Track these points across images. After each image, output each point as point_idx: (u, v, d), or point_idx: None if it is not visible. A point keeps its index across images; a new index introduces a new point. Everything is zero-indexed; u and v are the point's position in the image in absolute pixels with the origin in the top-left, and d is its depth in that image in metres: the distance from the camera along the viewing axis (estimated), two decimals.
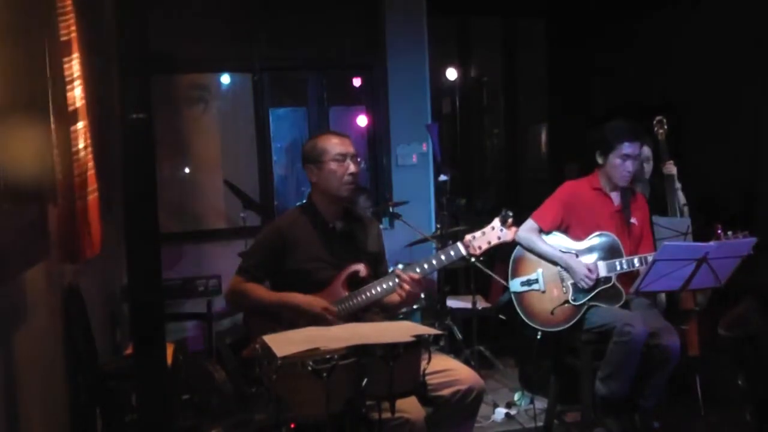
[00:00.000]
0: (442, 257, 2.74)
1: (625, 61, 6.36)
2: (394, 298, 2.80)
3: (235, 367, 4.18)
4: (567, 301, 3.45)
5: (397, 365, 2.05)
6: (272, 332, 2.24)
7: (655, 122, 4.04)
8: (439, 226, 4.83)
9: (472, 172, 7.16)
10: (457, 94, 6.75)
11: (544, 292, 3.49)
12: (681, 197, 3.99)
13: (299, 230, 2.88)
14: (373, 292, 2.77)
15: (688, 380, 3.68)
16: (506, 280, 3.62)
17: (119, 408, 3.10)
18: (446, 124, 6.97)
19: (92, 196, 3.23)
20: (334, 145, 2.86)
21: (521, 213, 3.32)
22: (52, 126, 2.86)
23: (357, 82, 6.23)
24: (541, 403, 3.93)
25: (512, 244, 3.33)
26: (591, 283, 3.39)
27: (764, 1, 4.95)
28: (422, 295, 4.50)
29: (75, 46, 3.02)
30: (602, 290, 3.41)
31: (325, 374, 1.98)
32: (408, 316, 4.52)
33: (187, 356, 4.44)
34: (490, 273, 4.72)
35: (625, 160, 3.47)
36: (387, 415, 2.15)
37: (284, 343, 2.08)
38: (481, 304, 4.78)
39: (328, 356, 2.00)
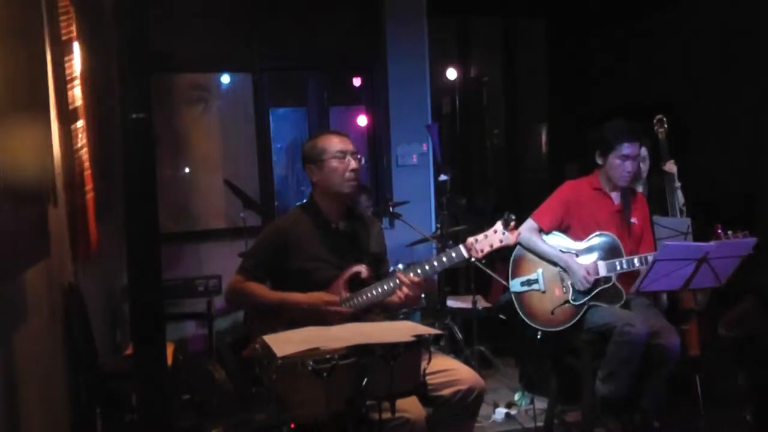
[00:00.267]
0: (444, 259, 2.73)
1: (625, 61, 6.37)
2: (395, 299, 2.80)
3: (235, 367, 4.18)
4: (567, 301, 3.45)
5: (398, 365, 2.05)
6: (272, 332, 2.23)
7: (655, 121, 4.04)
8: (439, 225, 4.82)
9: (472, 172, 7.15)
10: (457, 94, 6.74)
11: (544, 292, 3.49)
12: (680, 197, 3.99)
13: (301, 230, 2.88)
14: (374, 293, 2.76)
15: (688, 380, 3.69)
16: (506, 280, 3.62)
17: (119, 408, 3.10)
18: (446, 124, 6.97)
19: (89, 196, 3.24)
20: (334, 143, 2.86)
21: (521, 213, 3.31)
22: (55, 125, 2.86)
23: (357, 82, 6.24)
24: (541, 403, 3.93)
25: (513, 244, 3.33)
26: (589, 285, 3.39)
27: (764, 1, 4.95)
28: (422, 296, 4.51)
29: (75, 45, 3.02)
30: (602, 290, 3.41)
31: (325, 374, 1.97)
32: (408, 316, 4.52)
33: (187, 356, 4.44)
34: (490, 273, 4.72)
35: (624, 160, 3.47)
36: (387, 415, 2.15)
37: (284, 343, 2.08)
38: (481, 304, 4.77)
39: (328, 356, 2.00)
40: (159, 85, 5.44)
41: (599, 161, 3.57)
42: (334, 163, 2.84)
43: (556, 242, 3.54)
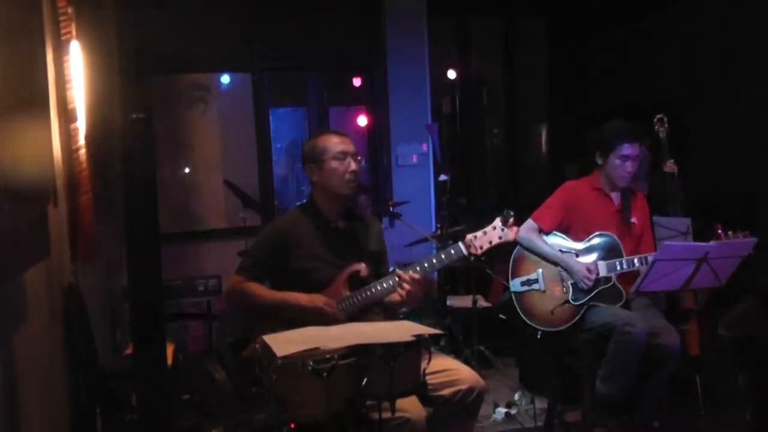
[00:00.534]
0: (443, 256, 2.74)
1: (625, 61, 6.37)
2: (395, 297, 2.80)
3: (235, 367, 4.18)
4: (567, 301, 3.45)
5: (398, 365, 2.05)
6: (272, 332, 2.23)
7: (655, 120, 4.04)
8: (439, 225, 4.83)
9: (472, 172, 7.15)
10: (457, 94, 6.75)
11: (544, 292, 3.49)
12: (681, 196, 3.99)
13: (300, 230, 2.88)
14: (374, 291, 2.77)
15: (688, 380, 3.68)
16: (506, 279, 3.62)
17: (119, 408, 3.10)
18: (446, 124, 6.97)
19: (88, 196, 3.23)
20: (334, 143, 2.86)
21: (521, 213, 3.32)
22: (55, 125, 2.86)
23: (357, 82, 6.24)
24: (541, 403, 3.93)
25: (513, 243, 3.33)
26: (590, 284, 3.39)
27: (764, 1, 4.95)
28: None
29: (73, 45, 3.02)
30: (602, 290, 3.41)
31: (325, 374, 1.97)
32: (408, 316, 4.52)
33: (187, 356, 4.44)
34: (490, 273, 4.72)
35: (624, 160, 3.47)
36: (387, 415, 2.15)
37: (284, 343, 2.08)
38: (481, 303, 4.78)
39: (328, 356, 2.00)
40: (159, 85, 5.45)
41: (599, 161, 3.57)
42: (334, 164, 2.84)
43: (556, 242, 3.54)
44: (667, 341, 3.22)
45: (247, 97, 5.63)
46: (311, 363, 1.99)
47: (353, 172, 2.85)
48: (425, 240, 4.80)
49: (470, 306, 4.69)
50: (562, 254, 3.48)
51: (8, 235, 2.08)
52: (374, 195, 5.61)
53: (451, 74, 6.44)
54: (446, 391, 2.58)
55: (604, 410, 3.40)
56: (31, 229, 2.44)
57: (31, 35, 2.55)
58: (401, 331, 2.20)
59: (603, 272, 3.41)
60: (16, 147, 2.22)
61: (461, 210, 5.44)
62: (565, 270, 3.46)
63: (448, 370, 2.62)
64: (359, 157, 2.91)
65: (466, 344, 4.76)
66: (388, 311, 2.95)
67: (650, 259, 3.22)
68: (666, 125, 4.03)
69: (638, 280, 3.19)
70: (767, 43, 5.01)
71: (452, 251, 2.73)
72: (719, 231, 3.38)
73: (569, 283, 3.45)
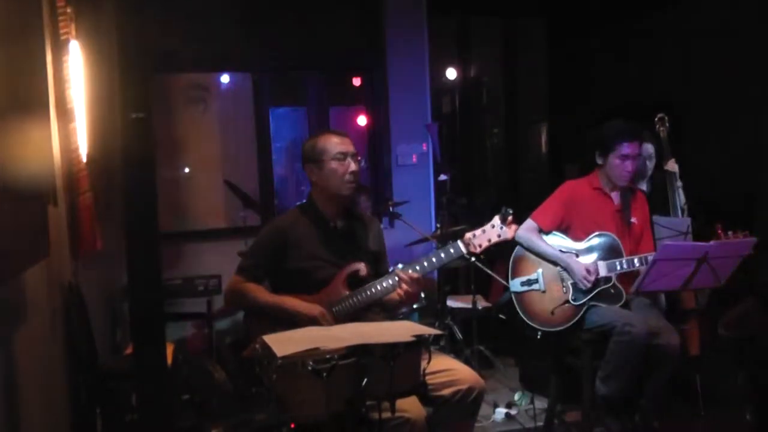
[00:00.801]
0: (442, 255, 2.74)
1: (625, 61, 6.36)
2: (394, 297, 2.80)
3: (235, 367, 4.18)
4: (567, 301, 3.45)
5: (398, 365, 2.05)
6: (272, 332, 2.23)
7: (656, 120, 4.05)
8: (439, 225, 4.83)
9: (472, 171, 7.14)
10: (457, 94, 6.74)
11: (544, 292, 3.49)
12: (682, 196, 3.99)
13: (300, 229, 2.88)
14: (373, 290, 2.77)
15: (688, 380, 3.69)
16: (506, 279, 3.62)
17: (119, 408, 3.10)
18: (446, 124, 6.96)
19: (88, 195, 3.23)
20: (334, 144, 2.86)
21: (521, 213, 3.32)
22: (54, 125, 2.86)
23: (357, 82, 6.23)
24: (541, 403, 3.93)
25: (513, 243, 3.33)
26: (590, 284, 3.39)
27: (764, 1, 4.95)
28: (422, 295, 4.51)
29: (73, 45, 3.02)
30: (602, 290, 3.41)
31: (325, 374, 1.97)
32: (408, 316, 4.52)
33: (187, 356, 4.44)
34: (490, 273, 4.72)
35: (624, 160, 3.47)
36: (387, 415, 2.15)
37: (284, 343, 2.08)
38: (481, 303, 4.78)
39: (328, 356, 2.00)
40: (159, 85, 5.44)
41: (599, 161, 3.57)
42: (334, 164, 2.83)
43: (556, 242, 3.54)
44: (667, 341, 3.22)
45: (247, 97, 5.62)
46: (311, 363, 1.99)
47: (353, 172, 2.84)
48: (425, 240, 4.80)
49: (470, 306, 4.68)
50: (562, 254, 3.48)
51: (8, 235, 2.08)
52: (374, 195, 5.60)
53: (451, 74, 6.43)
54: (446, 391, 2.58)
55: (604, 410, 3.40)
56: (31, 229, 2.44)
57: (31, 35, 2.56)
58: (401, 331, 2.20)
59: (603, 272, 3.41)
60: (15, 147, 2.22)
61: (461, 210, 5.44)
62: (565, 270, 3.46)
63: (448, 370, 2.62)
64: (359, 158, 2.91)
65: (466, 344, 4.75)
66: (388, 311, 2.95)
67: (650, 258, 3.22)
68: (667, 124, 4.03)
69: (638, 280, 3.19)
70: (767, 43, 5.00)
71: (451, 250, 2.73)
72: (719, 231, 3.38)
73: (569, 283, 3.45)
